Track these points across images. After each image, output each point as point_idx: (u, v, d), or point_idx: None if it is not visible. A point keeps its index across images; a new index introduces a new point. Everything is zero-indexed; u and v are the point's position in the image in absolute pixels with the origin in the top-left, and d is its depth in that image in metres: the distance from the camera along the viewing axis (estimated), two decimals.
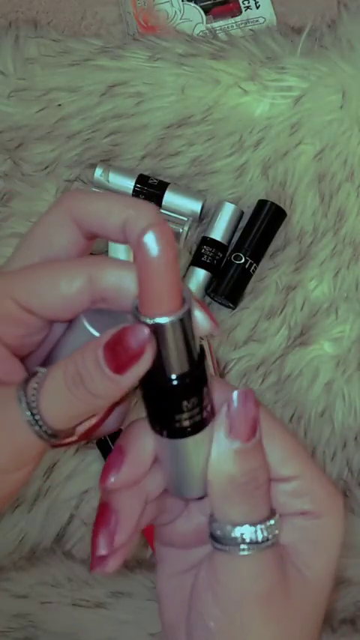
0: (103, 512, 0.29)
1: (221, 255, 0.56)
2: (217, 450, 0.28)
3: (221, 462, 0.28)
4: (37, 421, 0.26)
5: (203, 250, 0.56)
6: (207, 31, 0.61)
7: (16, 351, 0.29)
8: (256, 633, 0.29)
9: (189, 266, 0.56)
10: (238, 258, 0.55)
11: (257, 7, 0.62)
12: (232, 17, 0.62)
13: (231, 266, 0.55)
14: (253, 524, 0.29)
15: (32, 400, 0.26)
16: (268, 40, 0.59)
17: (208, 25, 0.61)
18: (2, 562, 0.51)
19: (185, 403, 0.27)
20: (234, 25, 0.61)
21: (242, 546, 0.28)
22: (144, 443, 0.29)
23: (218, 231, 0.56)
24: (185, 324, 0.25)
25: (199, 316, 0.27)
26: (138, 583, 0.50)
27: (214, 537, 0.29)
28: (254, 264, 0.55)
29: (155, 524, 0.33)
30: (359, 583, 0.50)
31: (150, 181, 0.56)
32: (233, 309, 0.56)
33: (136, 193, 0.56)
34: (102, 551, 0.28)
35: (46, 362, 0.30)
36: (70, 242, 0.29)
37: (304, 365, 0.55)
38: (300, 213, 0.57)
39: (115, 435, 0.53)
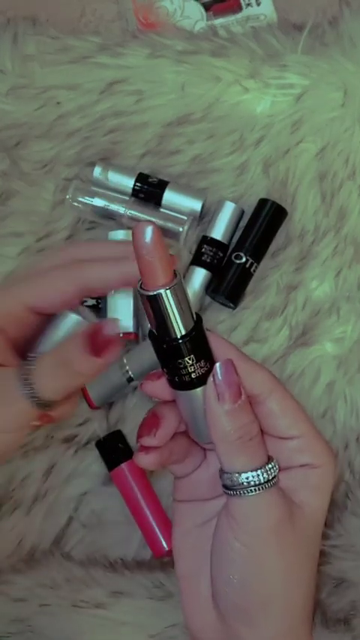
0: (151, 416, 0.36)
1: (222, 255, 0.56)
2: (211, 414, 0.34)
3: (216, 423, 0.34)
4: (32, 394, 0.35)
5: (203, 249, 0.55)
6: (207, 28, 0.60)
7: (15, 342, 0.38)
8: (273, 560, 0.35)
9: (189, 265, 0.56)
10: (238, 257, 0.55)
11: (258, 4, 0.61)
12: (232, 14, 0.61)
13: (231, 265, 0.55)
14: (255, 469, 0.34)
15: (28, 377, 0.35)
16: (269, 37, 0.58)
17: (209, 22, 0.61)
18: (1, 565, 0.51)
19: (188, 359, 0.32)
20: (235, 22, 0.61)
21: (250, 489, 0.34)
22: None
23: (219, 231, 0.56)
24: (178, 293, 0.31)
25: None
26: (137, 583, 0.49)
27: (225, 486, 0.35)
28: (255, 264, 0.55)
29: (180, 476, 0.39)
30: (358, 583, 0.50)
31: (150, 180, 0.56)
32: (234, 309, 0.56)
33: (135, 192, 0.56)
34: (147, 440, 0.35)
35: (36, 347, 0.39)
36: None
37: (305, 365, 0.55)
38: (301, 212, 0.57)
39: (114, 435, 0.53)
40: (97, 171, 0.56)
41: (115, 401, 0.54)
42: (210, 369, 0.34)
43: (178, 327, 0.31)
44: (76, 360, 0.34)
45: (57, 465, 0.53)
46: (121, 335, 0.35)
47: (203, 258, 0.55)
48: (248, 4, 0.61)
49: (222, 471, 0.35)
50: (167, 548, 0.51)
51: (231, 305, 0.55)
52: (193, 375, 0.33)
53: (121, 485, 0.52)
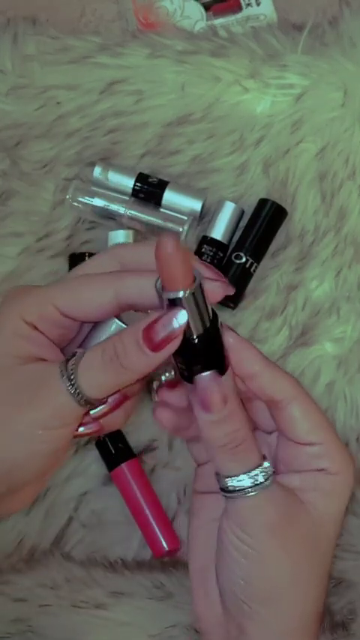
0: (172, 381, 0.37)
1: (222, 255, 0.56)
2: (200, 422, 0.35)
3: (203, 430, 0.35)
4: (75, 389, 0.33)
5: (203, 249, 0.55)
6: (207, 28, 0.60)
7: (56, 344, 0.37)
8: (275, 556, 0.35)
9: None
10: (238, 257, 0.55)
11: (258, 4, 0.61)
12: (232, 14, 0.61)
13: (231, 265, 0.55)
14: (248, 471, 0.35)
15: (71, 373, 0.33)
16: (268, 38, 0.58)
17: (209, 22, 0.61)
18: (1, 565, 0.51)
19: (207, 357, 0.34)
20: (235, 22, 0.61)
21: (245, 491, 0.35)
22: None
23: (218, 230, 0.56)
24: (197, 296, 0.32)
25: (211, 285, 0.34)
26: (137, 584, 0.49)
27: (222, 489, 0.35)
28: (255, 264, 0.55)
29: (201, 462, 0.40)
30: (358, 583, 0.50)
31: (150, 180, 0.56)
32: (234, 309, 0.56)
33: (135, 192, 0.56)
34: (167, 395, 0.37)
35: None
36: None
37: (305, 365, 0.55)
38: (301, 212, 0.57)
39: (115, 435, 0.53)
40: (97, 171, 0.56)
41: None
42: (227, 365, 0.35)
43: (197, 328, 0.33)
44: (129, 353, 0.33)
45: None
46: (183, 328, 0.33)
47: (203, 258, 0.55)
48: (248, 4, 0.61)
49: (217, 474, 0.36)
50: (167, 549, 0.51)
51: (231, 305, 0.55)
52: (215, 368, 0.34)
53: (121, 485, 0.52)
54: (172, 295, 0.32)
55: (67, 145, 0.58)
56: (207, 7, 0.61)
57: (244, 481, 0.35)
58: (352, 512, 0.51)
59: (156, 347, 0.32)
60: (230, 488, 0.35)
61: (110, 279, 0.36)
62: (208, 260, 0.55)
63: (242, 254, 0.55)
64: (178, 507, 0.53)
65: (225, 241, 0.56)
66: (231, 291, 0.36)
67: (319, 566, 0.37)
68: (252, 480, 0.35)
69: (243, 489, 0.35)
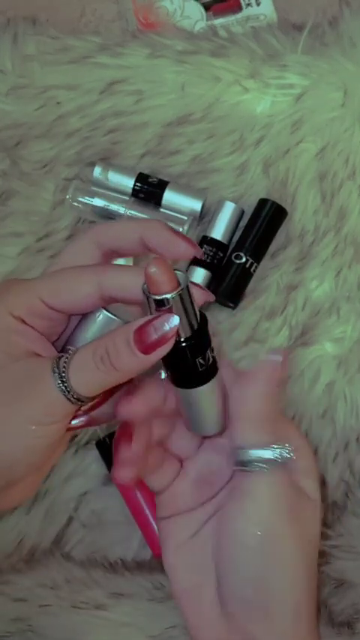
0: (123, 430, 0.37)
1: (222, 255, 0.56)
2: (249, 394, 0.37)
3: (244, 403, 0.37)
4: (66, 387, 0.33)
5: (203, 249, 0.55)
6: (207, 28, 0.60)
7: (47, 337, 0.37)
8: (287, 547, 0.36)
9: (189, 265, 0.56)
10: (238, 257, 0.55)
11: (258, 4, 0.61)
12: (232, 14, 0.61)
13: (231, 265, 0.55)
14: (270, 446, 0.37)
15: (63, 371, 0.34)
16: (268, 37, 0.58)
17: (209, 22, 0.61)
18: (1, 565, 0.51)
19: (194, 360, 0.34)
20: (235, 22, 0.61)
21: (267, 463, 0.36)
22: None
23: (218, 230, 0.56)
24: (183, 299, 0.33)
25: (195, 292, 0.35)
26: (137, 585, 0.49)
27: (241, 462, 0.37)
28: (255, 264, 0.55)
29: (160, 490, 0.40)
30: (359, 585, 0.50)
31: (149, 180, 0.56)
32: (234, 309, 0.56)
33: (135, 192, 0.56)
34: (124, 454, 0.37)
35: (67, 343, 0.39)
36: (91, 261, 0.38)
37: (305, 365, 0.55)
38: (301, 212, 0.57)
39: (114, 435, 0.53)
40: (97, 171, 0.56)
41: None
42: (215, 367, 0.36)
43: (184, 331, 0.33)
44: (120, 354, 0.33)
45: (57, 465, 0.53)
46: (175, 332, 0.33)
47: (203, 258, 0.55)
48: (248, 4, 0.61)
49: (238, 448, 0.37)
50: None
51: (231, 305, 0.55)
52: (200, 373, 0.35)
53: (121, 485, 0.52)
54: (157, 297, 0.32)
55: (67, 145, 0.58)
56: (207, 7, 0.61)
57: (265, 453, 0.36)
58: (352, 512, 0.51)
59: (147, 349, 0.33)
60: (252, 458, 0.36)
61: (92, 272, 0.36)
62: (208, 260, 0.55)
63: (242, 254, 0.55)
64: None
65: (225, 241, 0.56)
66: (211, 298, 0.36)
67: (314, 559, 0.38)
68: (272, 453, 0.36)
69: (263, 461, 0.36)
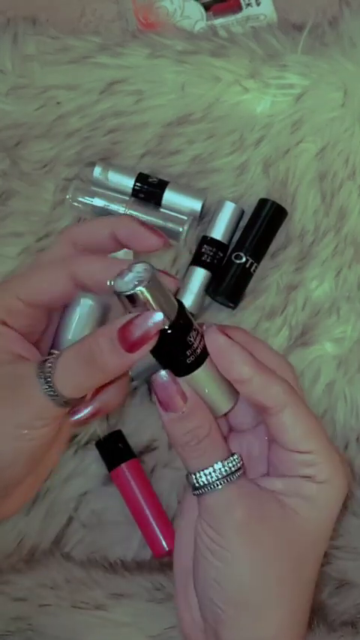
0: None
1: (222, 255, 0.56)
2: (162, 420, 0.35)
3: (167, 429, 0.35)
4: (53, 392, 0.33)
5: (203, 249, 0.55)
6: (207, 28, 0.60)
7: (26, 338, 0.37)
8: (242, 554, 0.35)
9: (189, 265, 0.56)
10: (238, 257, 0.55)
11: (258, 4, 0.61)
12: (232, 14, 0.61)
13: (231, 265, 0.55)
14: (209, 467, 0.35)
15: (48, 375, 0.33)
16: (268, 38, 0.58)
17: (209, 22, 0.61)
18: (1, 565, 0.51)
19: (180, 347, 0.34)
20: (234, 22, 0.61)
21: (214, 485, 0.35)
22: None
23: (219, 230, 0.56)
24: (154, 289, 0.32)
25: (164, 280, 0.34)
26: (137, 585, 0.49)
27: (193, 488, 0.36)
28: (255, 264, 0.55)
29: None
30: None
31: (150, 180, 0.56)
32: (234, 309, 0.55)
33: (135, 192, 0.56)
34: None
35: (54, 343, 0.39)
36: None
37: (305, 365, 0.55)
38: (301, 212, 0.57)
39: (114, 435, 0.53)
40: (97, 171, 0.56)
41: None
42: (204, 350, 0.35)
43: (167, 317, 0.33)
44: (104, 353, 0.32)
45: (57, 465, 0.53)
46: (159, 328, 0.33)
47: (203, 258, 0.55)
48: (248, 4, 0.61)
49: (187, 475, 0.36)
50: (167, 549, 0.51)
51: (231, 305, 0.55)
52: (191, 359, 0.34)
53: (121, 485, 0.52)
54: (127, 293, 0.32)
55: (67, 145, 0.58)
56: (207, 7, 0.61)
57: (210, 475, 0.35)
58: (352, 513, 0.51)
59: (131, 347, 0.32)
60: (198, 484, 0.35)
61: (63, 263, 0.36)
62: (208, 260, 0.55)
63: (242, 254, 0.55)
64: (178, 507, 0.52)
65: (225, 241, 0.56)
66: (177, 283, 0.36)
67: (298, 571, 0.36)
68: (218, 474, 0.35)
69: (210, 484, 0.35)
